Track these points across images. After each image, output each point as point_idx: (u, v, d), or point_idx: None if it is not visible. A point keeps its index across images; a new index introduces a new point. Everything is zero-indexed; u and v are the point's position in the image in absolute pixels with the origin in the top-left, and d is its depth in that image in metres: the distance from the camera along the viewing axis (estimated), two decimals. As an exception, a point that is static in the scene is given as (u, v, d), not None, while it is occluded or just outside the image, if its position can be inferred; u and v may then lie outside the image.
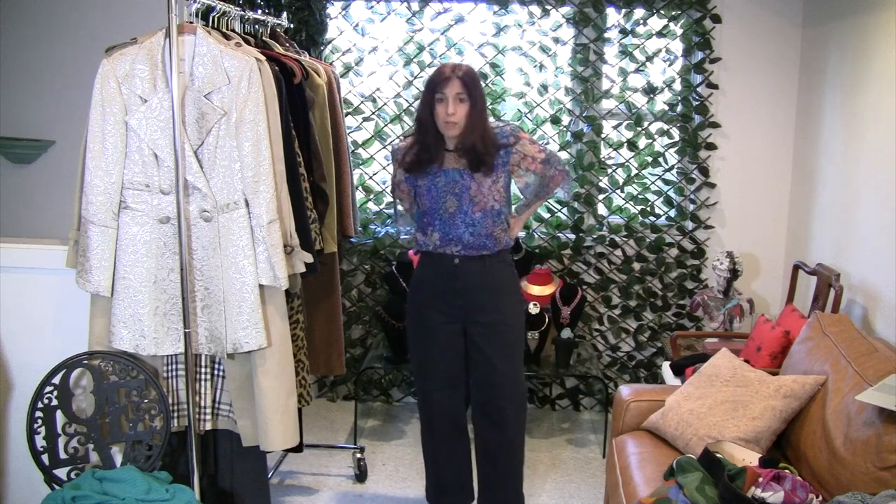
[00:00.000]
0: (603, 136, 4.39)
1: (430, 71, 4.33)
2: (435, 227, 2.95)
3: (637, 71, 4.32)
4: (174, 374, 2.72)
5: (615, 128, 4.39)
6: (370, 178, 4.45)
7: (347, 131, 3.74)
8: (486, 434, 3.10)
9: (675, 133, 4.37)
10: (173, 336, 2.61)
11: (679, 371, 3.57)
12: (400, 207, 3.17)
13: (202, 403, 2.73)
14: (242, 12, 2.98)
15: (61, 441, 2.59)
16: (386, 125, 4.44)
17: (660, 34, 4.28)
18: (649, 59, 4.30)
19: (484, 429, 3.10)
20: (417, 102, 3.02)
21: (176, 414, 2.72)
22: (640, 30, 4.29)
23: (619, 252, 4.42)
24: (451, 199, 2.92)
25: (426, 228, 2.98)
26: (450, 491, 3.24)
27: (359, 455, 3.72)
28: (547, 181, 3.02)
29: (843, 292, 3.38)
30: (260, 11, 3.65)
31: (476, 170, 2.89)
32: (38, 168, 4.48)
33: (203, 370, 2.73)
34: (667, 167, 4.38)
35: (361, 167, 4.43)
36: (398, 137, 3.08)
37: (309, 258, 2.73)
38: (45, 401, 2.57)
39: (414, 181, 2.98)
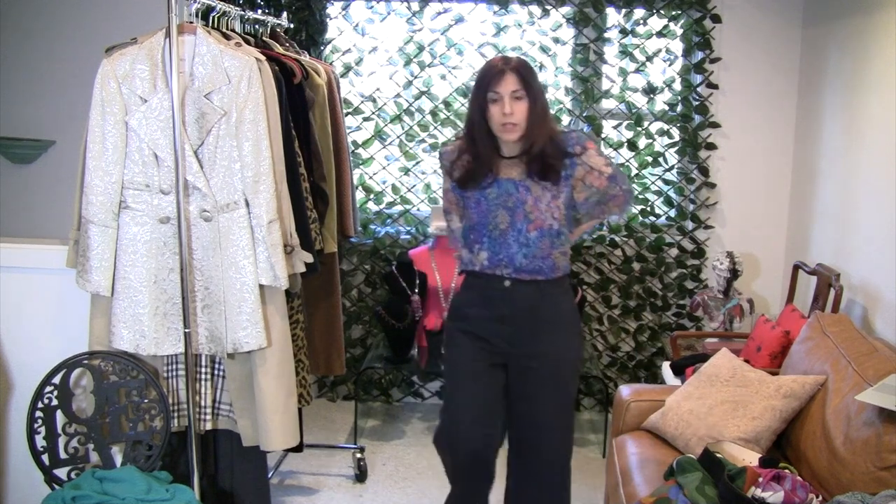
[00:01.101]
0: (603, 136, 4.39)
1: (430, 71, 4.36)
2: (483, 244, 2.55)
3: (637, 71, 4.32)
4: (174, 374, 2.72)
5: (615, 128, 4.39)
6: (370, 178, 4.45)
7: (347, 131, 3.74)
8: (522, 488, 2.67)
9: (675, 133, 4.37)
10: (173, 336, 2.61)
11: (679, 371, 3.58)
12: (452, 224, 2.73)
13: (202, 403, 2.73)
14: (242, 12, 2.98)
15: (61, 441, 2.59)
16: (386, 125, 4.44)
17: (660, 34, 4.28)
18: (649, 59, 4.30)
19: (520, 482, 2.67)
20: (467, 104, 2.64)
21: (176, 414, 2.72)
22: (640, 30, 4.29)
23: (618, 252, 4.42)
24: (503, 213, 2.51)
25: (472, 246, 2.58)
26: None
27: (359, 455, 3.72)
28: (607, 200, 2.57)
29: (843, 292, 3.38)
30: (260, 11, 3.65)
31: (543, 178, 2.49)
32: (38, 168, 4.48)
33: (203, 370, 2.73)
34: (667, 167, 4.38)
35: (361, 167, 4.43)
36: (448, 140, 2.64)
37: (309, 258, 2.73)
38: (45, 401, 2.57)
39: (462, 191, 2.59)
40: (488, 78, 2.44)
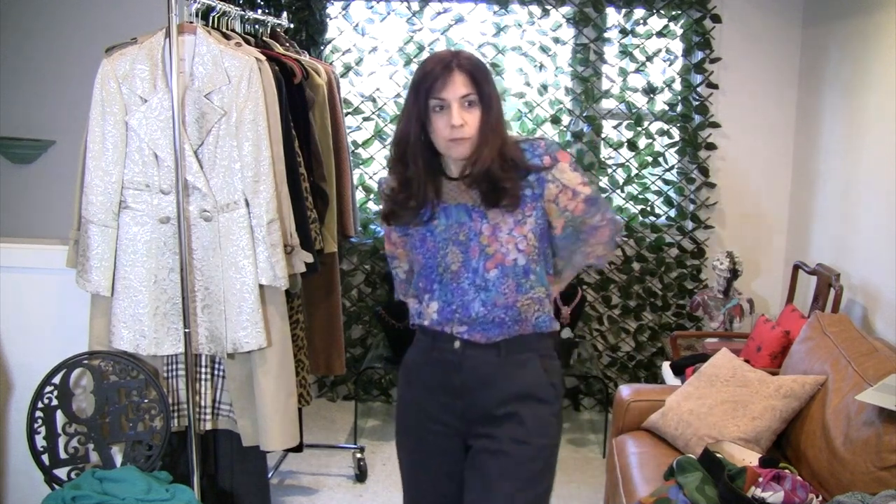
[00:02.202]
0: (603, 136, 4.39)
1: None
2: (433, 293, 1.99)
3: (637, 71, 4.32)
4: (174, 373, 2.72)
5: (615, 128, 4.39)
6: (370, 178, 4.45)
7: (347, 131, 3.74)
8: None
9: (675, 133, 4.37)
10: (173, 336, 2.61)
11: (679, 371, 3.57)
12: (398, 270, 2.19)
13: (202, 403, 2.73)
14: (242, 12, 2.98)
15: (61, 441, 2.59)
16: (386, 125, 4.44)
17: (660, 34, 4.28)
18: (649, 59, 4.30)
19: None
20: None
21: (176, 414, 2.72)
22: (640, 30, 4.29)
23: (618, 252, 4.42)
24: (454, 250, 1.96)
25: (422, 296, 2.03)
26: None
27: (359, 455, 3.72)
28: (587, 232, 2.01)
29: (843, 292, 3.38)
30: (260, 11, 3.65)
31: (493, 204, 1.93)
32: (38, 168, 4.48)
33: (203, 370, 2.73)
34: (667, 167, 4.38)
35: (361, 167, 4.43)
36: (383, 167, 2.07)
37: (309, 258, 2.73)
38: (45, 401, 2.57)
39: (402, 229, 2.06)
40: (431, 80, 1.87)
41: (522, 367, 1.98)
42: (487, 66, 1.98)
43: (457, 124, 1.87)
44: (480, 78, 1.89)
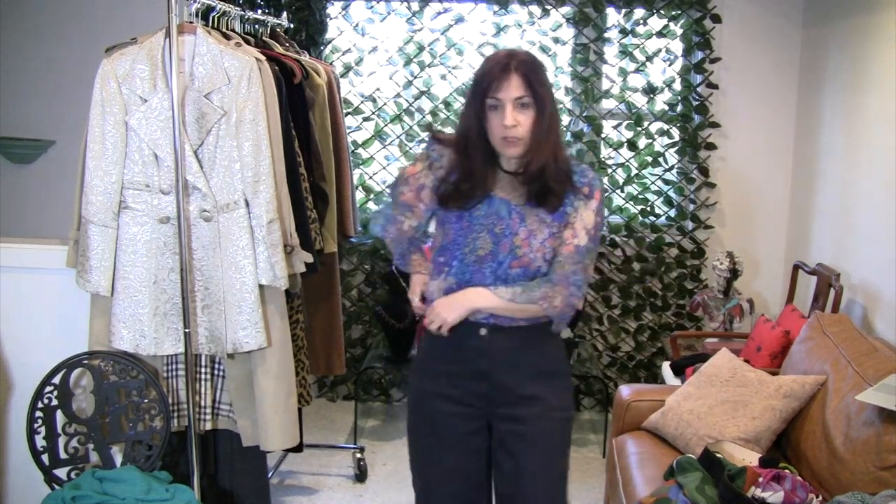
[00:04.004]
0: (603, 136, 4.39)
1: (430, 71, 4.36)
2: (451, 268, 2.10)
3: (637, 71, 4.32)
4: (174, 374, 2.72)
5: (615, 128, 4.39)
6: (370, 178, 4.45)
7: (347, 131, 3.74)
8: None
9: (675, 133, 4.37)
10: (173, 336, 2.61)
11: (679, 371, 3.57)
12: (405, 222, 2.21)
13: (202, 403, 2.73)
14: (242, 12, 2.98)
15: (61, 441, 2.59)
16: (386, 125, 4.44)
17: (660, 34, 4.28)
18: (649, 59, 4.30)
19: None
20: (461, 108, 2.20)
21: (176, 414, 2.72)
22: (640, 30, 4.29)
23: (618, 252, 4.42)
24: (486, 238, 2.06)
25: (441, 269, 2.12)
26: None
27: (359, 455, 3.72)
28: (542, 287, 2.05)
29: (843, 292, 3.38)
30: (260, 11, 3.65)
31: (539, 204, 2.04)
32: (38, 168, 4.48)
33: (203, 370, 2.73)
34: (667, 167, 4.38)
35: (361, 167, 4.43)
36: (436, 131, 2.18)
37: (309, 258, 2.73)
38: (45, 401, 2.57)
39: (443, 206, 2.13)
40: (488, 80, 1.98)
41: (543, 348, 2.15)
42: (544, 68, 2.05)
43: (509, 124, 1.96)
44: (535, 81, 1.97)
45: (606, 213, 4.41)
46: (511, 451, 2.12)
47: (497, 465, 2.17)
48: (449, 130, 2.55)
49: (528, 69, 1.97)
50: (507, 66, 1.96)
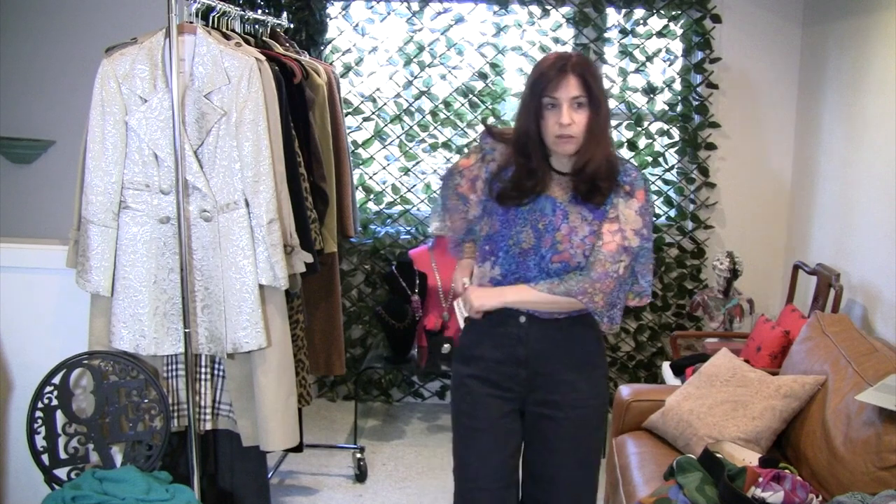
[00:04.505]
0: (603, 136, 4.38)
1: (430, 71, 4.36)
2: (497, 258, 2.20)
3: (637, 71, 4.32)
4: (174, 374, 2.72)
5: (615, 128, 4.38)
6: (370, 178, 4.45)
7: (347, 131, 3.75)
8: None
9: (675, 133, 4.37)
10: (173, 336, 2.61)
11: (679, 371, 3.57)
12: (452, 220, 2.30)
13: (202, 403, 2.73)
14: (242, 12, 2.98)
15: (61, 441, 2.59)
16: (386, 125, 4.44)
17: (660, 34, 4.28)
18: (649, 59, 4.30)
19: None
20: (517, 109, 2.23)
21: (176, 414, 2.72)
22: (640, 30, 4.29)
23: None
24: (529, 232, 2.16)
25: (487, 257, 2.23)
26: None
27: (359, 455, 3.72)
28: (580, 282, 2.12)
29: (843, 292, 3.38)
30: (260, 11, 3.65)
31: (587, 200, 2.13)
32: (38, 168, 4.48)
33: (203, 370, 2.73)
34: (667, 167, 4.38)
35: (361, 167, 4.43)
36: (490, 126, 2.31)
37: (309, 258, 2.74)
38: (45, 401, 2.57)
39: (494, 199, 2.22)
40: (545, 80, 2.06)
41: (581, 339, 2.24)
42: (599, 69, 2.10)
43: (566, 122, 2.04)
44: (591, 82, 2.05)
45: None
46: (545, 434, 2.25)
47: (528, 446, 2.29)
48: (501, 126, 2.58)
49: (584, 70, 2.05)
50: (563, 66, 2.05)
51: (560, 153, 2.12)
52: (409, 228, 4.46)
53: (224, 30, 2.80)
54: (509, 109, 4.41)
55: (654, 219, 4.35)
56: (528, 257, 2.16)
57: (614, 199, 2.14)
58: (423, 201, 4.45)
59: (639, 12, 4.28)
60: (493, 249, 2.20)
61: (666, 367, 3.75)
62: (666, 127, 4.36)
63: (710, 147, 4.34)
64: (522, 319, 2.20)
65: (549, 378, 2.22)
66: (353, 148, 4.31)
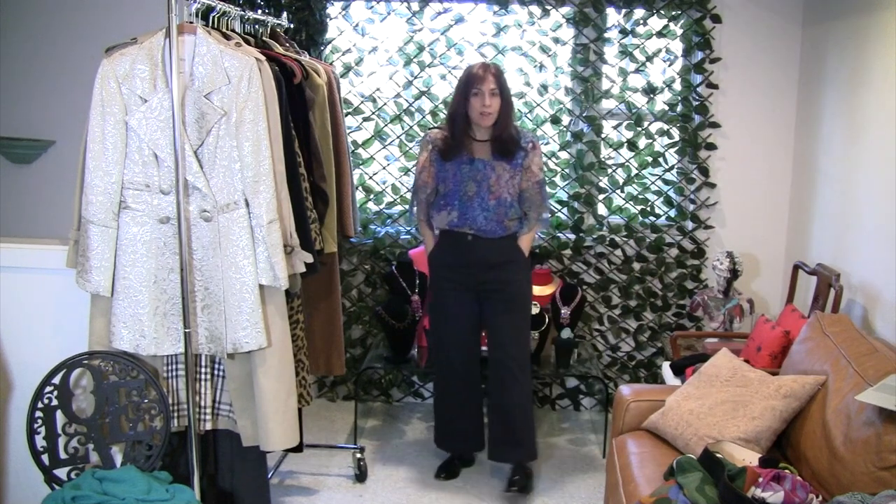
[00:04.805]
0: (603, 136, 4.39)
1: (430, 71, 4.37)
2: (454, 206, 3.40)
3: (637, 71, 4.32)
4: (174, 374, 2.72)
5: (615, 128, 4.39)
6: (370, 178, 4.45)
7: (347, 131, 3.75)
8: (496, 394, 3.51)
9: (675, 133, 4.37)
10: (173, 336, 2.61)
11: (679, 371, 3.57)
12: (421, 195, 3.50)
13: (202, 403, 2.73)
14: (242, 12, 2.98)
15: (61, 441, 2.59)
16: (386, 125, 4.44)
17: (660, 34, 4.28)
18: (649, 59, 4.30)
19: (494, 388, 3.51)
20: (450, 100, 3.50)
21: (176, 414, 2.72)
22: (640, 30, 4.29)
23: (619, 252, 4.42)
24: (472, 184, 3.37)
25: (445, 207, 3.42)
26: (459, 438, 3.69)
27: (359, 455, 3.72)
28: (536, 205, 3.47)
29: (843, 292, 3.38)
30: (260, 11, 3.65)
31: (502, 157, 3.36)
32: (38, 168, 4.48)
33: (203, 370, 2.73)
34: (667, 167, 4.38)
35: (361, 167, 4.43)
36: (433, 128, 3.80)
37: (309, 258, 2.74)
38: (45, 401, 2.57)
39: (441, 165, 3.41)
40: (473, 78, 3.30)
41: (509, 247, 3.47)
42: (505, 75, 3.42)
43: (487, 104, 3.31)
44: (502, 81, 3.36)
45: (606, 212, 4.46)
46: (492, 309, 3.48)
47: (484, 321, 3.53)
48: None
49: (497, 73, 3.35)
50: (486, 69, 3.33)
51: (482, 126, 3.36)
52: (409, 228, 4.46)
53: (224, 30, 2.80)
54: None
55: (654, 218, 4.41)
56: (473, 202, 3.39)
57: (523, 154, 3.41)
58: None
59: (639, 12, 4.28)
60: (449, 201, 3.42)
61: (666, 367, 3.75)
62: (666, 127, 4.36)
63: (710, 147, 4.34)
64: (469, 237, 3.43)
65: (488, 271, 3.44)
66: (353, 148, 4.31)
